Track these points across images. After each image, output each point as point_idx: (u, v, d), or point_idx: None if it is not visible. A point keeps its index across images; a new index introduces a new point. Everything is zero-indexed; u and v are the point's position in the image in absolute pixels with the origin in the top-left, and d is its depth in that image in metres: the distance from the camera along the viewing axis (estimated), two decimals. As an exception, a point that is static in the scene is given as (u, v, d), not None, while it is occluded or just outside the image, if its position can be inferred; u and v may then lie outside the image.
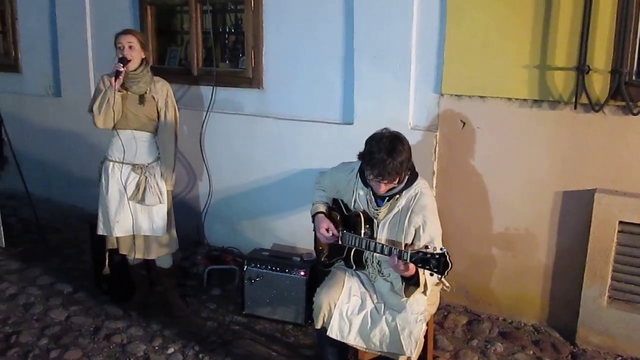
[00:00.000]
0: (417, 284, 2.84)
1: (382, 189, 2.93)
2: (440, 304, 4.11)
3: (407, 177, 2.99)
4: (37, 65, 6.38)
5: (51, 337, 3.93)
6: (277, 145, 4.72)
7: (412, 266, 2.74)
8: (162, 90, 3.97)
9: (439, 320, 4.09)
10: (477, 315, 4.18)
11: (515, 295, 4.08)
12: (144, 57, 3.90)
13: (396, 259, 2.73)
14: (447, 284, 3.20)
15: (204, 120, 4.99)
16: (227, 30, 5.77)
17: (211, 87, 4.95)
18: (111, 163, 3.98)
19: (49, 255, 5.19)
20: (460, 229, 4.11)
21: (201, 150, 5.05)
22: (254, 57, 4.75)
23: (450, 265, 2.62)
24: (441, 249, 2.64)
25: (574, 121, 3.69)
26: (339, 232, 3.15)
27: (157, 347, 3.83)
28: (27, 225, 5.80)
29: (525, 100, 3.81)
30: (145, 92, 3.91)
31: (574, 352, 3.78)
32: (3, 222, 5.21)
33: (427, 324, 3.21)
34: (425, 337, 3.32)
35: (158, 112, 3.97)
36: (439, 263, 2.62)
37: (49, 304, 4.36)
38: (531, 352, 3.78)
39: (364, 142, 2.95)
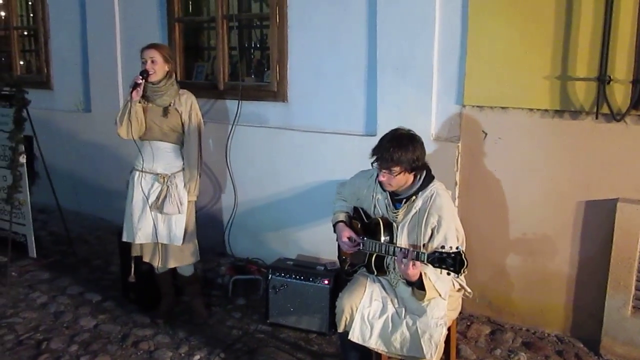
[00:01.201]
0: (423, 289, 2.90)
1: (384, 179, 2.99)
2: (463, 314, 4.15)
3: (423, 174, 3.05)
4: (68, 82, 6.58)
5: (81, 344, 4.01)
6: (302, 157, 4.80)
7: (417, 271, 2.82)
8: (187, 103, 4.07)
9: (462, 330, 4.11)
10: (500, 325, 4.18)
11: (538, 305, 4.08)
12: (167, 70, 4.01)
13: (402, 260, 2.81)
14: (469, 290, 3.23)
15: (230, 134, 5.09)
16: (253, 45, 5.89)
17: (237, 100, 5.05)
18: (137, 172, 4.12)
19: (78, 266, 5.31)
20: (483, 240, 4.13)
21: (227, 162, 5.14)
22: (279, 71, 4.86)
23: (465, 263, 2.67)
24: (457, 248, 2.69)
25: (595, 131, 3.71)
26: (360, 239, 3.21)
27: (183, 354, 3.89)
28: (57, 238, 5.94)
29: (546, 110, 3.84)
30: (169, 105, 4.02)
31: (597, 363, 3.78)
32: (34, 235, 5.34)
33: (449, 331, 3.24)
34: (448, 344, 3.36)
35: (182, 124, 4.07)
36: (455, 261, 2.67)
37: (79, 312, 4.46)
38: (555, 362, 3.79)
39: None
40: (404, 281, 3.03)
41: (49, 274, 5.13)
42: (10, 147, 5.04)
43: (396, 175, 2.97)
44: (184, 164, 4.12)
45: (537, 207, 3.97)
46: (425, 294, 2.90)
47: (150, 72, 3.94)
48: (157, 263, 4.19)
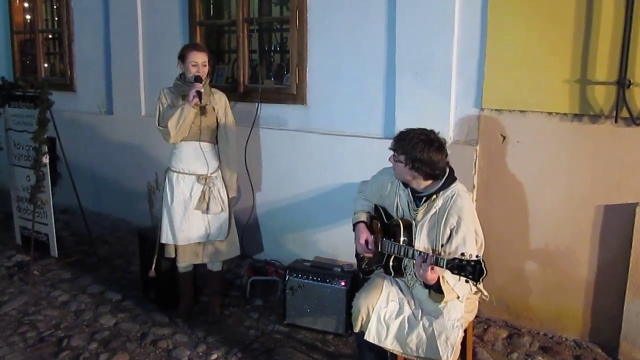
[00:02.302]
0: (440, 292, 2.90)
1: (392, 162, 3.08)
2: (480, 317, 4.15)
3: (445, 174, 3.07)
4: (91, 84, 6.68)
5: (100, 342, 4.07)
6: (320, 160, 4.82)
7: (435, 275, 2.83)
8: (221, 101, 4.16)
9: (479, 334, 4.10)
10: (518, 329, 4.16)
11: (556, 309, 4.06)
12: (209, 70, 4.11)
13: (421, 264, 2.82)
14: (486, 293, 3.22)
15: (248, 136, 5.12)
16: (273, 48, 5.94)
17: (256, 103, 5.09)
18: (175, 174, 4.15)
19: (99, 265, 5.38)
20: (501, 243, 4.12)
21: (245, 164, 5.18)
22: (298, 74, 4.90)
23: (485, 272, 2.66)
24: (477, 256, 2.68)
25: (614, 135, 3.69)
26: (376, 248, 3.24)
27: (200, 353, 3.93)
28: (78, 238, 6.03)
29: (565, 114, 3.83)
30: (207, 104, 4.09)
31: (616, 368, 3.74)
32: (56, 235, 5.43)
33: (466, 333, 3.24)
34: (465, 347, 3.36)
35: (218, 122, 4.14)
36: (474, 270, 2.65)
37: (99, 310, 4.52)
38: (572, 367, 3.76)
39: None
40: (421, 283, 3.03)
41: (70, 273, 5.21)
42: (34, 147, 5.13)
43: (397, 162, 3.04)
44: (220, 162, 4.18)
45: (555, 211, 3.95)
46: (443, 296, 2.90)
47: (202, 77, 4.01)
48: (199, 261, 4.27)
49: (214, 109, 4.11)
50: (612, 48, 3.61)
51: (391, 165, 3.17)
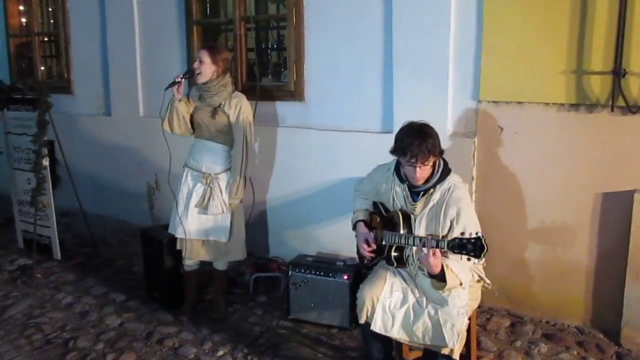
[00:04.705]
0: (444, 281, 2.92)
1: (418, 174, 3.02)
2: (482, 307, 4.19)
3: (440, 167, 3.10)
4: (89, 86, 6.68)
5: (107, 342, 4.09)
6: (319, 156, 4.85)
7: (438, 261, 2.85)
8: (236, 106, 4.14)
9: (482, 323, 4.14)
10: (520, 317, 4.20)
11: (558, 297, 4.10)
12: (215, 71, 4.10)
13: (422, 249, 2.85)
14: (488, 281, 3.26)
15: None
16: (270, 46, 5.96)
17: (254, 101, 5.10)
18: (186, 169, 4.27)
19: (102, 267, 5.39)
20: (501, 233, 4.15)
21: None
22: (296, 71, 4.92)
23: (486, 247, 2.71)
24: (477, 233, 2.73)
25: (611, 124, 3.73)
26: (379, 243, 3.27)
27: (207, 350, 3.96)
28: (80, 240, 6.03)
29: (562, 104, 3.87)
30: (219, 106, 4.13)
31: (619, 353, 3.77)
32: (58, 238, 5.45)
33: (470, 321, 3.28)
34: (469, 336, 3.39)
35: (230, 127, 4.16)
36: (475, 247, 2.71)
37: (104, 311, 4.54)
38: (575, 353, 3.79)
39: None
40: (424, 272, 3.07)
41: (73, 275, 5.22)
42: (34, 150, 5.14)
43: (429, 165, 3.03)
44: (229, 165, 4.22)
45: (554, 199, 3.99)
46: (445, 284, 2.92)
47: (196, 72, 4.08)
48: (197, 258, 4.31)
49: (224, 113, 4.13)
50: (607, 38, 3.65)
51: (385, 162, 3.22)
